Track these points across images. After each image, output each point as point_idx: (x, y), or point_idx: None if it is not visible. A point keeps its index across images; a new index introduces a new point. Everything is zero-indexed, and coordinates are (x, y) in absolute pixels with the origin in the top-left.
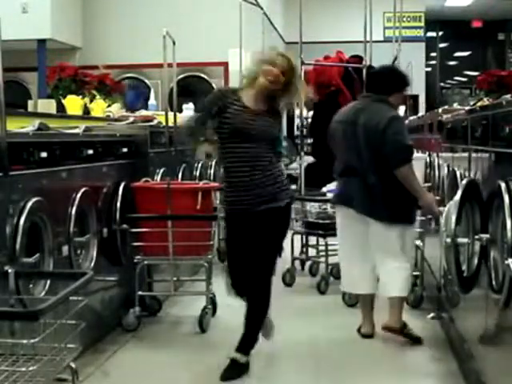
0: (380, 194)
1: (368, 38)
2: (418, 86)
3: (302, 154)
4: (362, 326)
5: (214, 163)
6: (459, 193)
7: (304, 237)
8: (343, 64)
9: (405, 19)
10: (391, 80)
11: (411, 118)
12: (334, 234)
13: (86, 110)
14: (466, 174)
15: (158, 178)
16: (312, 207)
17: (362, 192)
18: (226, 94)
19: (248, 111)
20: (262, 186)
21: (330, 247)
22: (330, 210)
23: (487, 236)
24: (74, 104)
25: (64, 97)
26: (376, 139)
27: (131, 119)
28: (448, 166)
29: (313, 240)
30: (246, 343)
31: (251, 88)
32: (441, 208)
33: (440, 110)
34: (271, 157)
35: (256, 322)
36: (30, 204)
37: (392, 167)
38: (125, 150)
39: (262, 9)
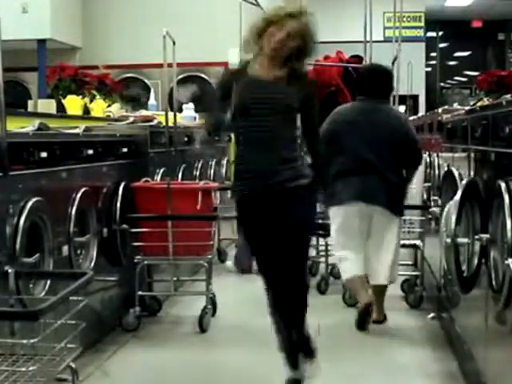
0: (398, 191)
1: (368, 38)
2: (418, 86)
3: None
4: (359, 303)
5: (213, 163)
6: (459, 193)
7: None
8: (343, 64)
9: (405, 19)
10: (391, 83)
11: (411, 117)
12: None
13: (86, 110)
14: (466, 173)
15: (157, 178)
16: None
17: (384, 188)
18: (234, 73)
19: (257, 81)
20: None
21: (330, 247)
22: None
23: (487, 236)
24: (74, 104)
25: (64, 97)
26: (400, 139)
27: (131, 119)
28: (448, 166)
29: (312, 240)
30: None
31: (260, 53)
32: (435, 209)
33: (440, 110)
34: (294, 139)
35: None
36: (30, 204)
37: (415, 165)
38: (125, 150)
39: (262, 9)
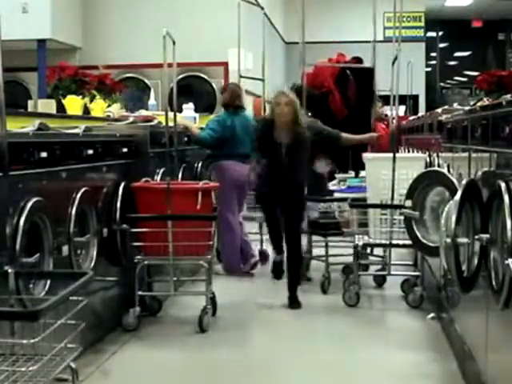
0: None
1: (371, 38)
2: (418, 86)
3: None
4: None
5: None
6: (459, 193)
7: (307, 236)
8: (344, 64)
9: (405, 19)
10: None
11: (411, 117)
12: (335, 234)
13: (86, 110)
14: (466, 173)
15: (157, 178)
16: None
17: None
18: None
19: None
20: None
21: (330, 247)
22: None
23: (487, 236)
24: (74, 104)
25: (64, 97)
26: None
27: (131, 119)
28: (449, 167)
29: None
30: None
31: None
32: (406, 210)
33: (440, 110)
34: None
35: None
36: (30, 204)
37: None
38: (125, 150)
39: (262, 9)
